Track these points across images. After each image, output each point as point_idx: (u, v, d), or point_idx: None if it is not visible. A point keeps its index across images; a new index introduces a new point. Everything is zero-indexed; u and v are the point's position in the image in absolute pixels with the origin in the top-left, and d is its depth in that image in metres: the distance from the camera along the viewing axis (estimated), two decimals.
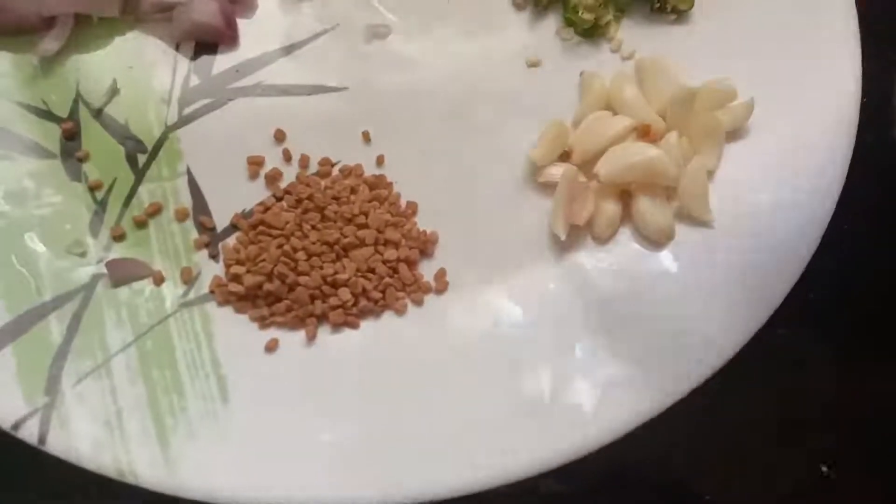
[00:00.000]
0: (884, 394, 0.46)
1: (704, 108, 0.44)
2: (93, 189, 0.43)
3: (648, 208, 0.42)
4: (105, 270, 0.41)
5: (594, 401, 0.40)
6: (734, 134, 0.44)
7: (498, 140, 0.46)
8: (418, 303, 0.42)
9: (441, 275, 0.42)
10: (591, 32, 0.48)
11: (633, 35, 0.48)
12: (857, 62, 0.45)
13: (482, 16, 0.48)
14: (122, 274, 0.41)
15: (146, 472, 0.37)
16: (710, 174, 0.43)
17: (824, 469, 0.44)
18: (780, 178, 0.43)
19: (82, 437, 0.38)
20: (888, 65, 0.45)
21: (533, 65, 0.47)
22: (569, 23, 0.48)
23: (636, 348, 0.41)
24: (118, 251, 0.42)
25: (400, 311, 0.42)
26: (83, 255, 0.42)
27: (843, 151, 0.43)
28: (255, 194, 0.44)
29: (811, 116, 0.44)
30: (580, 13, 0.47)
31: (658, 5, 0.48)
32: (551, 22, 0.48)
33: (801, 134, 0.44)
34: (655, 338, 0.41)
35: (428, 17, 0.48)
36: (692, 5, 0.48)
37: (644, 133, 0.44)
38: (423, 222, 0.44)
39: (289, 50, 0.47)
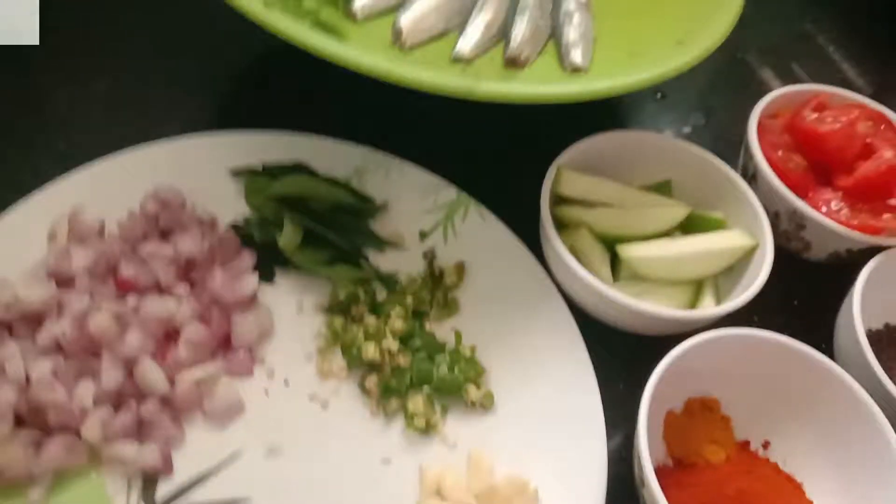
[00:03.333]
0: None
1: (505, 496, 0.63)
2: None
3: None
4: None
5: None
6: None
7: None
8: None
9: None
10: (426, 431, 0.68)
11: (459, 426, 0.69)
12: (603, 444, 0.66)
13: (347, 427, 0.68)
14: None
15: None
16: None
17: None
18: None
19: None
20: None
21: (385, 461, 0.67)
22: (409, 426, 0.68)
23: None
24: None
25: None
26: None
27: None
28: None
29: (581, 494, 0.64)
30: (415, 420, 0.68)
31: (472, 403, 0.69)
32: (398, 423, 0.68)
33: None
34: None
35: (315, 432, 0.67)
36: (493, 403, 0.69)
37: None
38: None
39: (212, 471, 0.65)
